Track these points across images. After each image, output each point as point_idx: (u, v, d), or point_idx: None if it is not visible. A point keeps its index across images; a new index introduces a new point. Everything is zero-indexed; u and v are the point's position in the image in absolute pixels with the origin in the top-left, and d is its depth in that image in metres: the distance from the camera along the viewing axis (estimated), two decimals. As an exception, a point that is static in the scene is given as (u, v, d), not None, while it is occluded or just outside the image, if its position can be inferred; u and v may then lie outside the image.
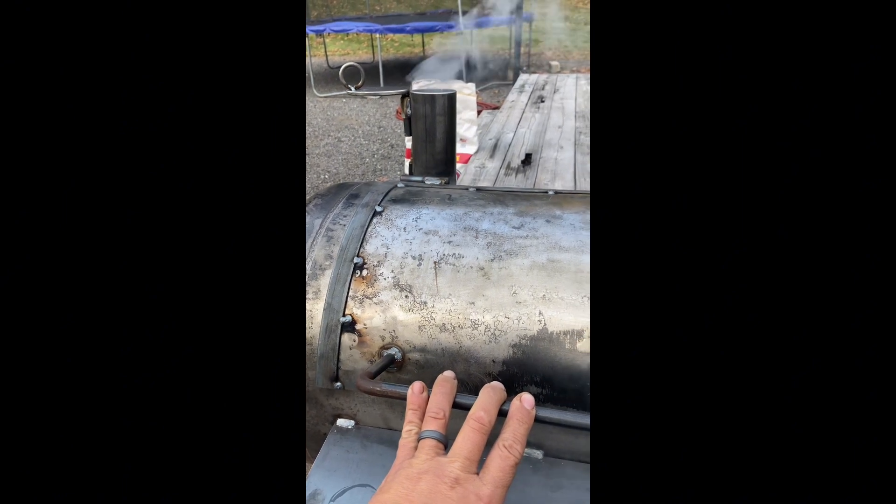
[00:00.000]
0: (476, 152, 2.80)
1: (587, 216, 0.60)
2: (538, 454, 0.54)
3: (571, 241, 0.56)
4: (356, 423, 0.60)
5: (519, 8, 7.06)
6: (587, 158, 2.51)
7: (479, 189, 0.71)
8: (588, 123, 3.12)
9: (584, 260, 0.54)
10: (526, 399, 0.43)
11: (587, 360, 0.50)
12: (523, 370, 0.52)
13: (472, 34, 6.97)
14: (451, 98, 0.79)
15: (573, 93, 4.03)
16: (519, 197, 0.67)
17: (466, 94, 2.89)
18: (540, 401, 0.51)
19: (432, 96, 0.77)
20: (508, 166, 2.53)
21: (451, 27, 6.96)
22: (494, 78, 7.16)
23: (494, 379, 0.52)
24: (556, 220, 0.60)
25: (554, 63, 8.38)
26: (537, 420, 0.43)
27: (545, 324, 0.52)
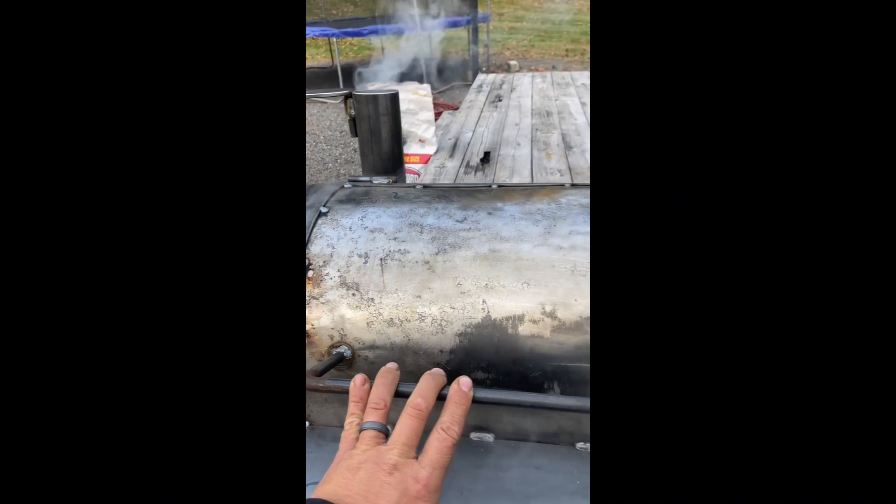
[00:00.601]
0: (436, 152, 2.81)
1: (526, 207, 0.62)
2: (489, 437, 0.55)
3: (511, 231, 0.58)
4: (311, 424, 0.60)
5: (475, 9, 7.13)
6: (543, 154, 2.56)
7: (425, 186, 0.73)
8: (543, 120, 3.17)
9: (523, 248, 0.56)
10: (463, 382, 0.45)
11: (528, 343, 0.52)
12: (470, 357, 0.53)
13: (430, 36, 7.00)
14: (394, 98, 0.80)
15: (529, 91, 4.10)
16: (463, 192, 0.68)
17: (422, 95, 2.91)
18: (486, 385, 0.53)
19: (374, 97, 0.77)
20: (468, 165, 2.56)
21: (409, 29, 6.97)
22: (453, 79, 7.21)
23: (443, 368, 0.53)
24: (497, 212, 0.61)
25: (513, 62, 8.49)
26: (476, 401, 0.45)
27: (488, 311, 0.53)
